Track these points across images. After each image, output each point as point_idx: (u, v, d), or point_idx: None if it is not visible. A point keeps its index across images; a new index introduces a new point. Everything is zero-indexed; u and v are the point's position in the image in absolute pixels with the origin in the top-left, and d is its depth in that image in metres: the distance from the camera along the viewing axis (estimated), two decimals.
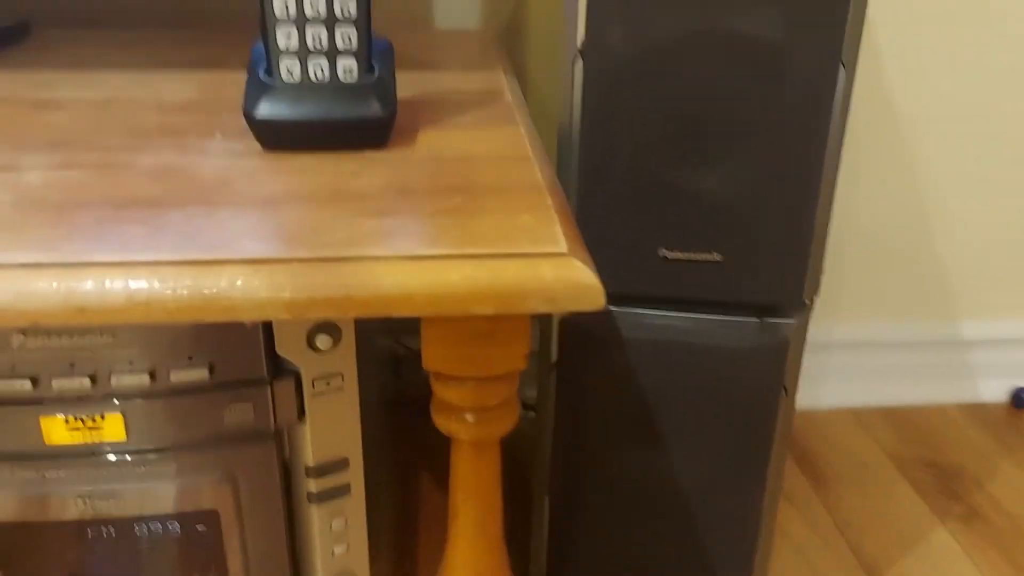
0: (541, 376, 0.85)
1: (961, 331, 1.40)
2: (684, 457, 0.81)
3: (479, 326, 0.54)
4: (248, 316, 0.47)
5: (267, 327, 0.55)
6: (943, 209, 1.31)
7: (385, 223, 0.53)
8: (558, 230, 0.53)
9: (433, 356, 0.55)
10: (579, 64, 0.73)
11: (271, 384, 0.56)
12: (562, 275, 0.50)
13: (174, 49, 0.93)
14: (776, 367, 0.77)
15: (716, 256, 0.74)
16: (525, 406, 1.07)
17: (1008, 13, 1.19)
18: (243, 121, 0.58)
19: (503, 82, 0.84)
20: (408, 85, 0.78)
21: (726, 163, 0.72)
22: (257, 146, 0.60)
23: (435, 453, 1.01)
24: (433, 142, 0.66)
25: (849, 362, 1.40)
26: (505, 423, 0.58)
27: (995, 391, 1.43)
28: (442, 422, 0.58)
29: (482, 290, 0.49)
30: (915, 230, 1.32)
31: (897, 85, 1.22)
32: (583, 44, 0.71)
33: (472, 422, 0.57)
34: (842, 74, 0.71)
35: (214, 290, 0.45)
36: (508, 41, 1.15)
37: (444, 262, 0.50)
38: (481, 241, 0.51)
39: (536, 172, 0.62)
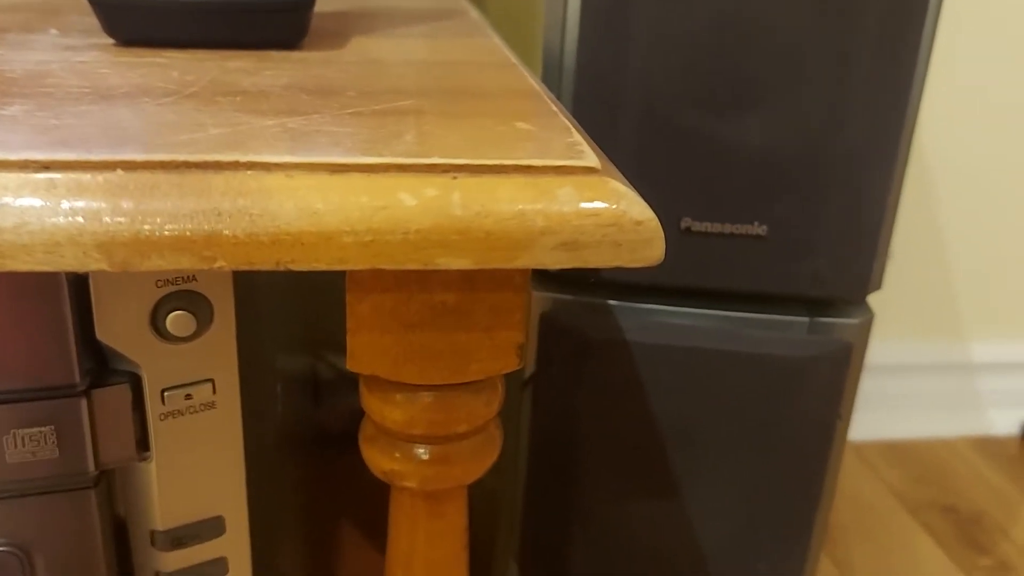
0: (509, 396, 0.64)
1: (968, 354, 1.31)
2: (708, 507, 0.62)
3: (443, 296, 0.32)
4: (33, 265, 0.28)
5: (80, 293, 0.33)
6: (949, 215, 1.21)
7: (288, 123, 0.32)
8: (578, 139, 0.32)
9: (365, 348, 0.33)
10: None
11: (88, 395, 0.35)
12: (594, 204, 0.28)
13: None
14: (832, 384, 0.58)
15: (759, 229, 0.54)
16: None
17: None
18: (96, 19, 0.43)
19: (462, 3, 0.63)
20: (337, 0, 0.58)
21: (774, 102, 0.53)
22: (106, 41, 0.45)
23: (369, 509, 0.79)
24: (371, 47, 0.45)
25: None
26: (479, 462, 0.37)
27: (1006, 423, 1.35)
28: (377, 459, 0.36)
29: (457, 226, 0.28)
30: (915, 239, 1.22)
31: None
32: None
33: (427, 459, 0.36)
34: None
35: None
36: None
37: (389, 176, 0.28)
38: (451, 148, 0.30)
39: (528, 79, 0.41)
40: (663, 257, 0.30)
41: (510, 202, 0.29)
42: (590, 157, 0.30)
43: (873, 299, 0.59)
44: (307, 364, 0.92)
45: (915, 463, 1.25)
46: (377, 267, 0.28)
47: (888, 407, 1.29)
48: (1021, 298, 1.27)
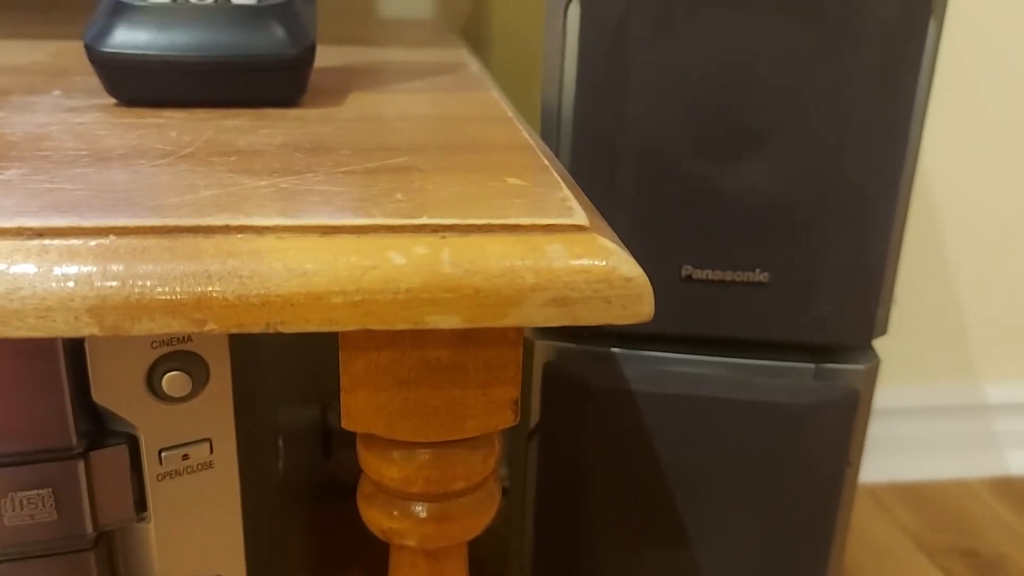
0: (515, 446, 0.63)
1: (983, 396, 1.29)
2: (717, 557, 0.60)
3: (437, 353, 0.32)
4: (25, 331, 0.28)
5: (75, 355, 0.33)
6: (955, 256, 1.20)
7: (281, 183, 0.32)
8: (568, 194, 0.32)
9: (360, 406, 0.33)
10: (574, 10, 0.53)
11: (85, 457, 0.35)
12: (583, 261, 0.28)
13: (34, 23, 0.73)
14: (840, 430, 0.57)
15: (761, 276, 0.54)
16: None
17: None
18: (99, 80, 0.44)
19: (466, 57, 0.64)
20: (339, 56, 0.60)
21: (773, 147, 0.53)
22: (108, 101, 0.45)
23: (380, 560, 0.78)
24: (370, 103, 0.46)
25: None
26: (478, 518, 0.37)
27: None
28: (376, 518, 0.36)
29: (446, 284, 0.28)
30: (924, 282, 1.20)
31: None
32: None
33: (425, 517, 0.35)
34: (932, 29, 0.52)
35: None
36: (468, 40, 0.95)
37: (380, 237, 0.28)
38: (442, 208, 0.30)
39: (522, 132, 0.41)
40: (653, 314, 0.30)
41: (500, 259, 0.29)
42: (579, 214, 0.31)
43: (885, 343, 0.58)
44: (315, 415, 0.92)
45: (932, 506, 1.22)
46: (367, 327, 0.28)
47: (903, 450, 1.27)
48: None
